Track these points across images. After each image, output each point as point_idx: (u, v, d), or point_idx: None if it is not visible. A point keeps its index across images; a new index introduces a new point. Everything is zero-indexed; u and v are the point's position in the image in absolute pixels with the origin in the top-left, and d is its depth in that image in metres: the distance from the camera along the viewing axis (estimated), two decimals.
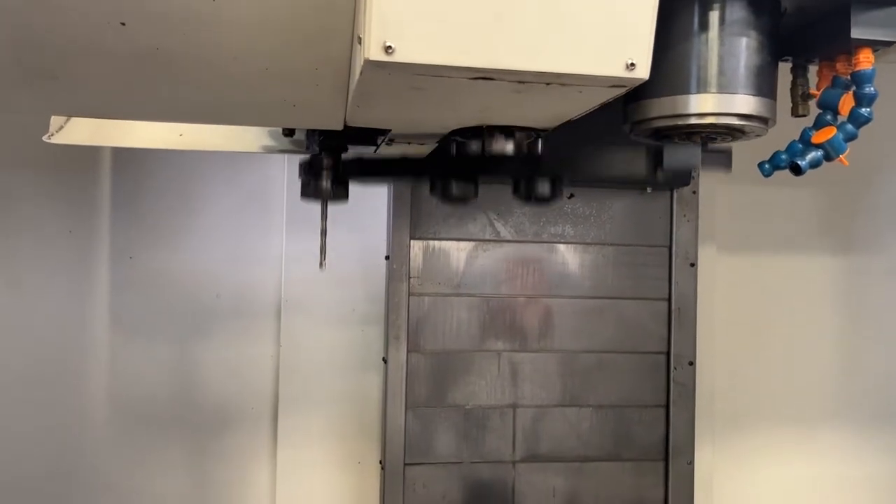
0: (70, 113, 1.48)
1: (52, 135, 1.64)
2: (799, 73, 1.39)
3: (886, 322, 2.60)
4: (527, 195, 1.40)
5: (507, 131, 1.29)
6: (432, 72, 0.96)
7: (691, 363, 2.20)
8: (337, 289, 2.26)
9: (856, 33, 1.20)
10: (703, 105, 1.23)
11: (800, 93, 1.39)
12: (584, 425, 2.20)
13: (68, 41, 1.11)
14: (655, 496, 2.21)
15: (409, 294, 2.11)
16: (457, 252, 2.15)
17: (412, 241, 2.11)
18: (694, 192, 2.22)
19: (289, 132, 1.63)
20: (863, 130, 2.33)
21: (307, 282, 2.24)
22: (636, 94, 1.22)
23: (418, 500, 2.10)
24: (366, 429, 2.25)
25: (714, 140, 1.30)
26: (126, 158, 2.20)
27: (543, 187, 1.37)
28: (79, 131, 1.69)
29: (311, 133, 1.63)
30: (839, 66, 1.29)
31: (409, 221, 2.11)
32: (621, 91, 1.04)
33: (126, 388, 2.21)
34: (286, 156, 2.20)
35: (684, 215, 2.19)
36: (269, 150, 1.70)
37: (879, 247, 2.60)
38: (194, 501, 2.25)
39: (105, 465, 2.21)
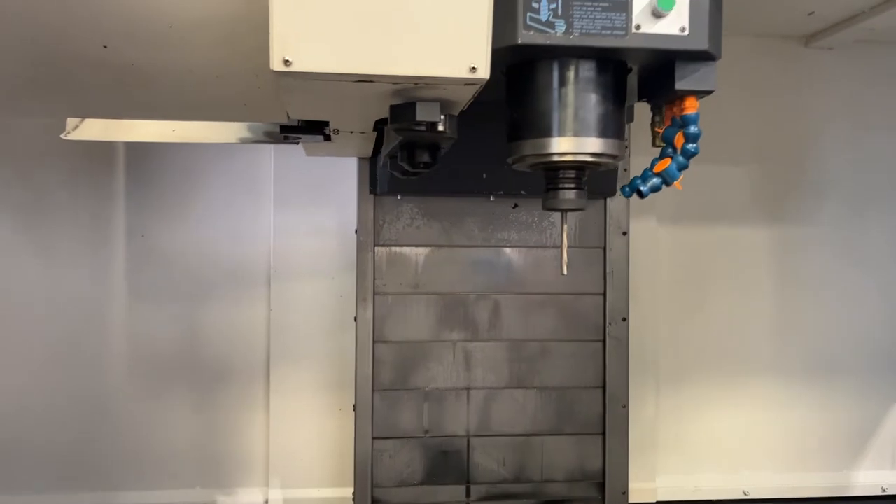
0: (75, 115, 1.85)
1: (69, 133, 2.01)
2: (655, 112, 1.65)
3: (814, 286, 2.86)
4: (410, 163, 1.69)
5: None
6: (323, 77, 1.29)
7: (624, 319, 2.48)
8: (318, 259, 2.61)
9: (679, 86, 1.49)
10: (563, 146, 1.53)
11: (654, 128, 1.66)
12: (529, 405, 2.47)
13: (69, 59, 1.47)
14: (595, 466, 2.48)
15: (375, 293, 2.38)
16: (415, 256, 2.42)
17: (377, 248, 2.39)
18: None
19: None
20: (793, 115, 2.69)
21: (293, 254, 2.60)
22: (516, 136, 1.56)
23: (385, 469, 2.40)
24: (345, 380, 2.56)
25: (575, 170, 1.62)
26: (137, 152, 2.57)
27: (425, 156, 1.66)
28: (91, 129, 2.05)
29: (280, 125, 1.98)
30: (675, 109, 1.56)
31: (372, 233, 2.38)
32: (475, 87, 1.36)
33: (141, 346, 2.59)
34: (273, 145, 2.57)
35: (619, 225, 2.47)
36: (244, 141, 2.05)
37: (808, 219, 2.85)
38: (200, 441, 2.62)
39: (125, 411, 2.60)
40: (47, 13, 1.37)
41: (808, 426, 2.87)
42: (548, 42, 1.40)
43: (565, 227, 1.77)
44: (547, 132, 1.55)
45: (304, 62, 1.26)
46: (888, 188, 2.87)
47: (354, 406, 2.40)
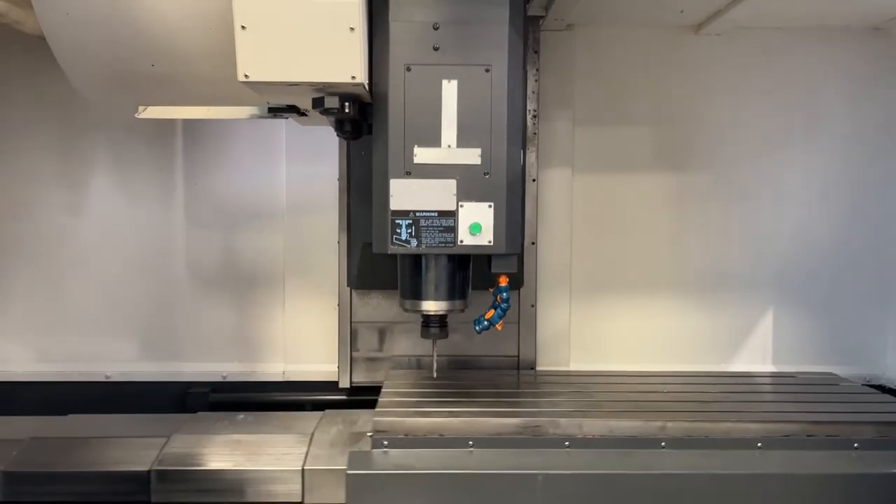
0: (141, 104, 2.87)
1: (140, 114, 3.05)
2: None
3: (703, 221, 3.60)
4: (341, 131, 2.62)
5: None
6: (269, 84, 2.25)
7: (533, 243, 3.37)
8: (318, 200, 3.55)
9: (493, 270, 2.46)
10: (429, 306, 2.57)
11: (489, 288, 2.66)
12: None
13: (133, 72, 2.48)
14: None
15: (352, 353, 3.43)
16: (380, 328, 3.43)
17: (354, 324, 3.41)
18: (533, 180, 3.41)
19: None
20: (688, 87, 3.55)
21: (300, 196, 3.57)
22: (402, 294, 2.61)
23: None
24: (338, 286, 3.57)
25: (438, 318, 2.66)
26: (190, 124, 3.58)
27: (347, 126, 2.59)
28: (154, 111, 3.08)
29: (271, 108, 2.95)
30: (497, 280, 2.58)
31: (349, 310, 3.40)
32: (360, 87, 2.28)
33: (195, 260, 3.61)
34: (284, 119, 3.53)
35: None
36: (253, 117, 3.02)
37: (698, 168, 3.59)
38: (236, 329, 3.62)
39: (185, 306, 3.63)
40: (117, 45, 2.38)
41: (696, 329, 3.62)
42: (406, 252, 2.38)
43: (435, 348, 2.81)
44: (418, 297, 2.59)
45: (256, 75, 2.22)
46: (760, 142, 3.60)
47: (338, 304, 3.41)
